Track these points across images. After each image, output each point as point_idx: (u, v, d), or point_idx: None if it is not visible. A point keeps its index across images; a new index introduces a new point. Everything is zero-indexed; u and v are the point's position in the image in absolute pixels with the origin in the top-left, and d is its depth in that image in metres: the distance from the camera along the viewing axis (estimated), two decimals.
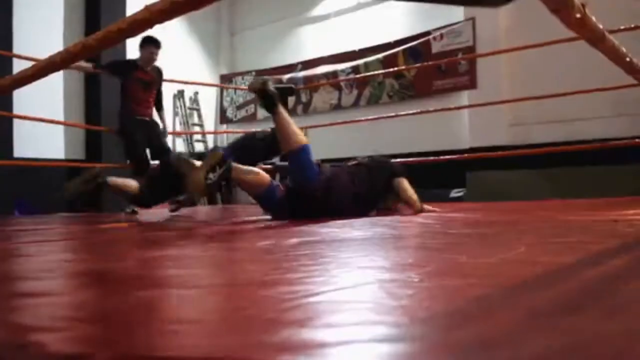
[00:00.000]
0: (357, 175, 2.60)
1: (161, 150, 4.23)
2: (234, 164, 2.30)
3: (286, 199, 2.39)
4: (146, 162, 4.15)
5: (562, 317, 0.62)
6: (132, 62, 4.26)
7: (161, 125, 4.51)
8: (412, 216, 2.53)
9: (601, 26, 1.23)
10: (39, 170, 5.76)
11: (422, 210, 2.64)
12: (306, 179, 2.39)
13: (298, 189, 2.39)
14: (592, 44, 1.29)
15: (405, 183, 2.71)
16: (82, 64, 3.89)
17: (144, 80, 4.23)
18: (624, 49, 1.49)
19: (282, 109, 2.44)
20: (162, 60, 6.80)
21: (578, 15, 1.04)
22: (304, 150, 2.41)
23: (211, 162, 2.20)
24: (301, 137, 2.44)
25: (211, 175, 2.19)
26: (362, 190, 2.56)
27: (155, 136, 4.26)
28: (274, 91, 2.44)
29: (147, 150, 4.23)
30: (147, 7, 1.06)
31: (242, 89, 8.49)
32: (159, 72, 4.41)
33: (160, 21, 1.08)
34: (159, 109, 4.48)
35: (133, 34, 1.16)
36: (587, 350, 0.50)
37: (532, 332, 0.54)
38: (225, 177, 2.24)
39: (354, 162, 2.80)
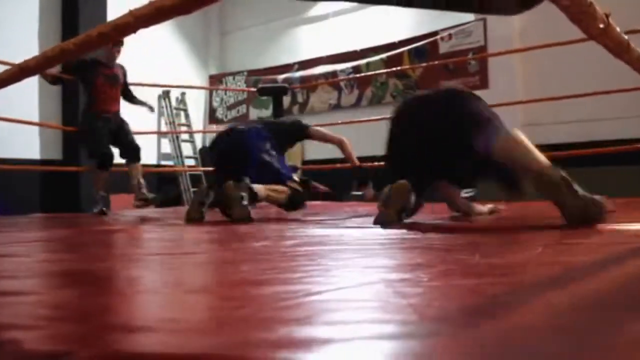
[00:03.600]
0: None
1: (129, 147, 4.29)
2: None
3: None
4: (110, 157, 4.20)
5: (583, 316, 0.61)
6: (95, 60, 4.29)
7: (145, 108, 4.68)
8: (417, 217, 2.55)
9: (626, 37, 1.22)
10: (14, 170, 5.73)
11: None
12: None
13: None
14: (615, 55, 1.28)
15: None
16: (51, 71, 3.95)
17: (109, 75, 4.32)
18: None
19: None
20: (148, 60, 6.86)
21: (601, 26, 1.03)
22: None
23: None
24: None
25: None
26: None
27: (123, 134, 4.32)
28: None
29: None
30: (131, 12, 1.06)
31: (228, 90, 8.50)
32: (122, 68, 4.50)
33: (144, 26, 1.08)
34: (132, 100, 4.61)
35: (115, 38, 1.15)
36: (611, 351, 0.49)
37: (551, 332, 0.54)
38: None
39: None
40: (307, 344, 0.52)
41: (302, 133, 3.49)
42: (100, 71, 4.24)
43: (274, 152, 3.06)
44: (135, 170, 4.23)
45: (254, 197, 2.69)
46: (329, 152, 6.52)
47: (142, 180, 4.21)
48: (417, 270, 0.96)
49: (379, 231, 1.80)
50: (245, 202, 2.61)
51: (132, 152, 4.27)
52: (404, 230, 1.76)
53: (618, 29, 1.15)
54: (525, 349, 0.49)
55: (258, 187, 2.73)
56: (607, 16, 1.04)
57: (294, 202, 2.95)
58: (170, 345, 0.53)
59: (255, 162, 2.96)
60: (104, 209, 4.00)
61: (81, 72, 4.26)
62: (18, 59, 1.59)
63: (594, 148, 4.40)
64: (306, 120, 3.78)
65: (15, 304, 0.75)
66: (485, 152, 1.92)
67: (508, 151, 1.92)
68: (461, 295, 0.74)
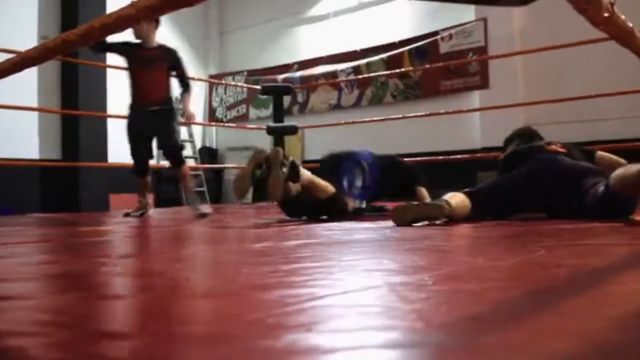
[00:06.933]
0: None
1: (170, 150, 3.58)
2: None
3: None
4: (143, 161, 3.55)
5: (590, 321, 0.60)
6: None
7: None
8: None
9: (630, 24, 1.22)
10: (13, 170, 5.73)
11: None
12: None
13: None
14: (621, 43, 1.28)
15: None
16: None
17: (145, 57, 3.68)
18: None
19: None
20: None
21: (606, 14, 1.03)
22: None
23: None
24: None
25: None
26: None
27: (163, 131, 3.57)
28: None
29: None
30: (133, 4, 1.05)
31: (230, 85, 8.48)
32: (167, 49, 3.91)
33: (147, 18, 1.07)
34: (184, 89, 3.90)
35: (117, 30, 1.14)
36: (617, 356, 0.48)
37: (557, 338, 0.53)
38: None
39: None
40: (313, 352, 0.51)
41: None
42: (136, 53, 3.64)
43: None
44: (179, 176, 3.61)
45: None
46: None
47: (192, 186, 3.71)
48: (420, 273, 0.95)
49: (380, 232, 1.79)
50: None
51: (171, 153, 3.57)
52: (406, 231, 1.75)
53: (623, 17, 1.15)
54: (532, 358, 0.48)
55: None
56: (612, 5, 1.04)
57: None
58: (171, 353, 0.52)
59: None
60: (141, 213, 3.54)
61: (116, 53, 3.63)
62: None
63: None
64: (306, 120, 3.77)
65: (14, 309, 0.74)
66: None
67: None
68: (467, 301, 0.74)
